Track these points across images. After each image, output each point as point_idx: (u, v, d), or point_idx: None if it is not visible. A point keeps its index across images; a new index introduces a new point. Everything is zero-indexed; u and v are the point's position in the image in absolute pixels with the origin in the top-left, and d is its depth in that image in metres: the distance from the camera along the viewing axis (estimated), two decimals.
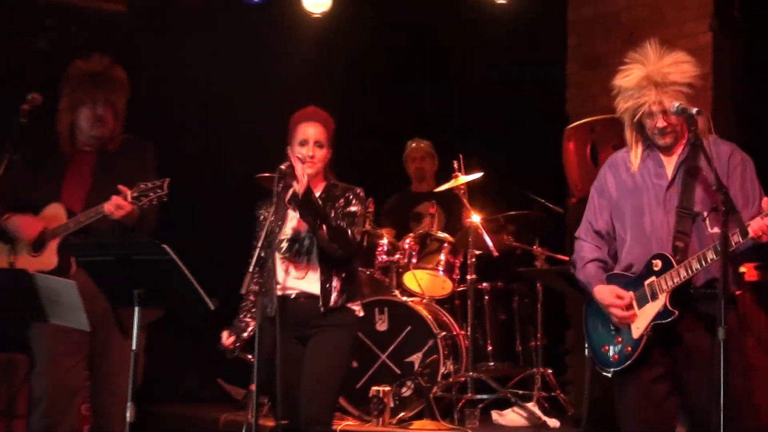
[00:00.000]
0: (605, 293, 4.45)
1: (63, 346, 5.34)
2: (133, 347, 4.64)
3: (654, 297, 4.34)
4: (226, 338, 5.16)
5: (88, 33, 7.66)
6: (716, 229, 4.26)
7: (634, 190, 4.53)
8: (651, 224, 4.44)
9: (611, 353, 4.47)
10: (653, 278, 4.36)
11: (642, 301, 4.37)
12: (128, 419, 4.61)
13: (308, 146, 5.06)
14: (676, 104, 4.40)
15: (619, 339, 4.43)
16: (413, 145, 8.12)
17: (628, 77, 4.49)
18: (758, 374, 5.21)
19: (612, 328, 4.47)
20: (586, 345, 4.63)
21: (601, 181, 4.69)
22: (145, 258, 4.59)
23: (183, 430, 6.97)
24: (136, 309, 4.62)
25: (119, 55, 5.75)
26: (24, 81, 5.50)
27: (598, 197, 4.67)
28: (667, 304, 4.30)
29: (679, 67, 4.45)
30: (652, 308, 4.34)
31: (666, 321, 4.30)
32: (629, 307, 4.39)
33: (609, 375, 4.48)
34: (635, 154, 4.56)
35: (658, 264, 4.35)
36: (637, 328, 4.37)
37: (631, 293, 4.40)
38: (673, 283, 4.29)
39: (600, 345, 4.53)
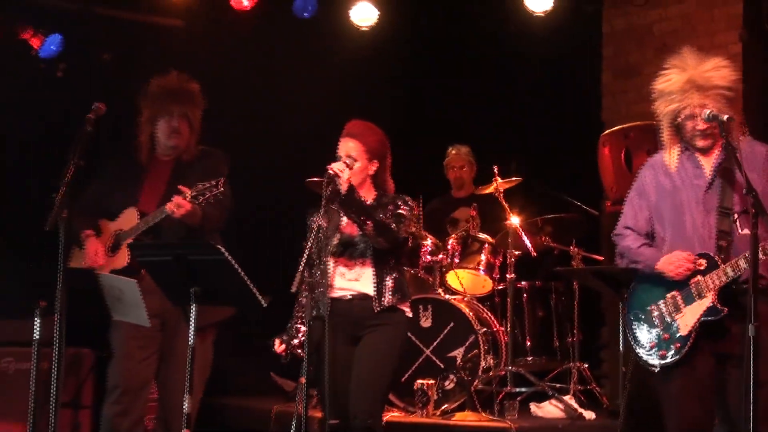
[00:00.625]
0: (672, 259, 4.38)
1: (135, 340, 5.50)
2: (190, 342, 4.68)
3: (701, 295, 4.31)
4: (278, 346, 5.19)
5: (148, 46, 7.74)
6: (746, 231, 4.22)
7: (673, 190, 4.50)
8: (692, 224, 4.41)
9: (658, 349, 4.44)
10: (699, 277, 4.33)
11: (688, 300, 4.35)
12: (185, 410, 4.65)
13: (341, 161, 5.07)
14: (707, 111, 4.37)
15: (666, 336, 4.41)
16: (453, 152, 8.09)
17: (669, 81, 4.46)
18: None
19: (658, 323, 4.45)
20: (630, 340, 4.58)
21: (640, 183, 4.67)
22: (202, 258, 4.63)
23: (238, 421, 7.00)
24: (193, 306, 4.66)
25: (175, 66, 5.82)
26: (90, 91, 5.55)
27: (638, 198, 4.65)
28: (715, 302, 4.27)
29: (719, 71, 4.42)
30: (699, 306, 4.32)
31: (715, 318, 4.27)
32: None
33: (656, 370, 4.45)
34: (673, 156, 4.52)
35: (702, 263, 4.32)
36: (686, 325, 4.35)
37: (675, 294, 4.39)
38: (720, 282, 4.26)
39: (646, 341, 4.50)
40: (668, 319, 4.40)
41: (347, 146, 5.11)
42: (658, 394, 4.54)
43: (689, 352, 4.33)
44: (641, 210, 4.61)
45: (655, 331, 4.46)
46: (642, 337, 4.51)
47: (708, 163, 4.45)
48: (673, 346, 4.37)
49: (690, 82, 4.40)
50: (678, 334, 4.36)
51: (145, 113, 5.65)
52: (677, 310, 4.39)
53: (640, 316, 4.53)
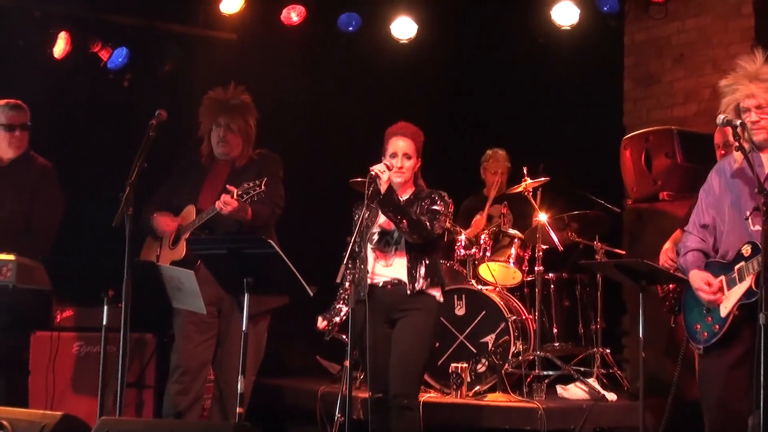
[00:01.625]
0: (697, 278, 4.44)
1: (194, 326, 5.64)
2: (243, 328, 4.72)
3: (741, 279, 4.30)
4: (320, 322, 5.23)
5: (205, 58, 7.79)
6: (757, 227, 4.19)
7: (733, 186, 4.47)
8: (742, 218, 4.38)
9: (701, 331, 4.44)
10: (742, 263, 4.31)
11: (731, 284, 4.34)
12: (239, 390, 4.68)
13: (398, 158, 5.11)
14: (722, 116, 4.34)
15: (709, 318, 4.41)
16: (493, 156, 8.02)
17: (728, 78, 4.45)
18: None
19: (704, 308, 4.44)
20: (684, 323, 4.61)
21: (708, 184, 4.65)
22: (254, 251, 4.66)
23: (289, 400, 7.02)
24: (246, 295, 4.69)
25: (229, 76, 5.88)
26: (154, 99, 5.61)
27: (705, 197, 4.63)
28: (752, 286, 4.23)
29: None
30: (739, 290, 4.30)
31: (751, 300, 4.23)
32: (718, 291, 4.34)
33: (700, 350, 4.45)
34: (738, 156, 4.46)
35: (748, 250, 4.31)
36: (725, 308, 4.33)
37: (721, 277, 4.37)
38: (760, 266, 4.20)
39: (693, 323, 4.52)
40: None
41: (400, 144, 5.14)
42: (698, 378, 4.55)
43: (727, 333, 4.32)
44: (708, 207, 4.59)
45: (702, 314, 4.46)
46: (691, 319, 4.54)
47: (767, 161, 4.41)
48: (713, 328, 4.38)
49: (746, 77, 4.38)
50: (718, 316, 4.35)
51: (204, 124, 5.80)
52: (721, 293, 4.37)
53: (693, 299, 4.53)
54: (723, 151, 5.23)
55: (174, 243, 5.70)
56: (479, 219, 7.45)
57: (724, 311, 4.32)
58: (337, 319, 5.18)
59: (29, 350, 6.15)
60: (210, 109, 5.79)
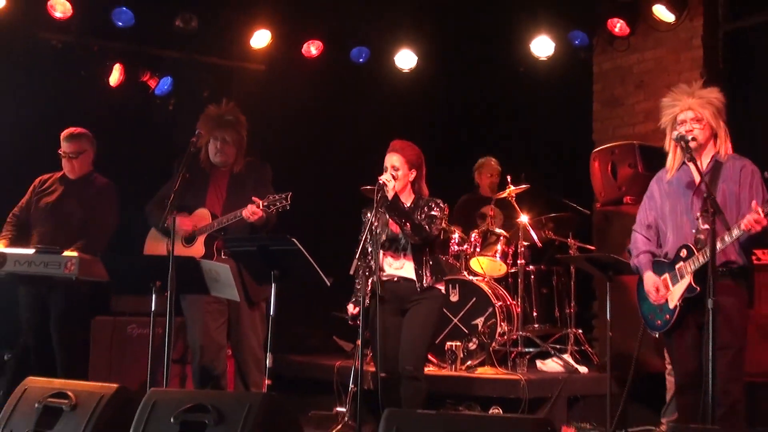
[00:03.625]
0: (649, 282, 4.47)
1: (208, 314, 5.53)
2: (272, 313, 4.70)
3: (682, 277, 4.31)
4: (353, 309, 5.23)
5: (237, 85, 7.80)
6: (706, 226, 4.17)
7: (670, 194, 4.48)
8: (680, 221, 4.39)
9: (655, 319, 4.47)
10: (681, 263, 4.31)
11: (674, 280, 4.36)
12: (268, 365, 4.67)
13: (387, 171, 5.09)
14: (675, 132, 4.32)
15: (661, 309, 4.42)
16: (486, 162, 8.00)
17: (669, 96, 4.45)
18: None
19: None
20: (639, 312, 4.59)
21: (650, 191, 4.64)
22: (279, 248, 4.65)
23: (309, 374, 7.01)
24: (273, 285, 4.68)
25: (258, 101, 5.84)
26: (193, 121, 5.60)
27: (648, 201, 4.63)
28: (692, 282, 4.26)
29: (707, 87, 4.43)
30: (681, 286, 4.32)
31: (692, 295, 4.27)
32: (665, 291, 4.37)
33: (656, 335, 4.50)
34: (672, 167, 4.47)
35: (684, 252, 4.32)
36: (672, 301, 4.36)
37: (666, 275, 4.38)
38: (695, 266, 4.24)
39: (647, 312, 4.53)
40: None
41: (392, 159, 5.15)
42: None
43: (677, 321, 4.34)
44: (650, 209, 4.59)
45: (654, 305, 4.47)
46: (645, 309, 4.54)
47: (697, 174, 4.37)
48: (664, 317, 4.39)
49: (685, 93, 4.40)
50: (668, 307, 4.37)
51: (203, 135, 5.59)
52: (667, 288, 4.39)
53: (645, 294, 4.54)
54: None
55: (188, 241, 5.61)
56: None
57: (671, 303, 4.37)
58: (357, 310, 5.18)
59: (90, 332, 6.16)
60: (207, 124, 5.63)
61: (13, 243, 5.76)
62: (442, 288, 5.21)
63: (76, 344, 5.82)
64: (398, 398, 5.03)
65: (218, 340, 5.57)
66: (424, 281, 5.09)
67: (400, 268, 5.15)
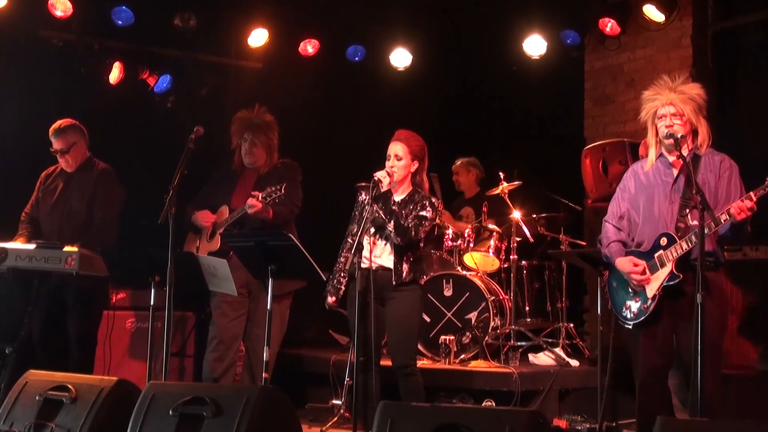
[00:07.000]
0: (625, 263, 4.36)
1: (228, 305, 5.66)
2: (268, 307, 4.72)
3: (662, 265, 4.25)
4: (331, 300, 5.18)
5: (235, 83, 7.81)
6: (695, 222, 4.16)
7: (648, 185, 4.43)
8: (659, 211, 4.34)
9: (631, 310, 4.36)
10: (661, 251, 4.26)
11: (653, 269, 4.28)
12: (265, 359, 4.68)
13: (390, 159, 5.05)
14: (666, 131, 4.29)
15: (637, 299, 4.34)
16: (462, 164, 8.04)
17: (650, 89, 4.41)
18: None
19: (631, 290, 4.38)
20: (611, 304, 4.52)
21: (624, 183, 4.59)
22: (276, 243, 4.66)
23: (307, 366, 7.02)
24: (270, 279, 4.69)
25: (255, 98, 5.89)
26: (192, 118, 5.62)
27: (621, 192, 4.57)
28: (674, 270, 4.21)
29: (688, 82, 4.38)
30: (662, 274, 4.26)
31: (674, 282, 4.22)
32: (644, 272, 4.30)
33: (630, 327, 4.38)
34: (650, 159, 4.44)
35: (664, 241, 4.26)
36: (651, 290, 4.28)
37: (644, 262, 4.31)
38: (677, 254, 4.19)
39: (622, 304, 4.42)
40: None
41: (395, 148, 5.09)
42: (629, 347, 4.49)
43: (654, 310, 4.27)
44: (623, 201, 4.53)
45: (629, 295, 4.39)
46: (619, 300, 4.45)
47: (676, 166, 4.36)
48: (642, 307, 4.32)
49: (667, 88, 4.35)
50: (645, 297, 4.31)
51: (234, 138, 5.84)
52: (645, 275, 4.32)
53: (618, 284, 4.47)
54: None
55: (211, 237, 5.72)
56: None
57: (650, 292, 4.28)
58: (341, 292, 5.13)
59: (98, 327, 6.12)
60: (238, 127, 5.84)
61: (30, 241, 5.70)
62: (420, 282, 5.09)
63: (92, 340, 5.79)
64: (371, 381, 4.99)
65: (233, 329, 5.66)
66: (403, 275, 4.98)
67: (378, 256, 5.04)
